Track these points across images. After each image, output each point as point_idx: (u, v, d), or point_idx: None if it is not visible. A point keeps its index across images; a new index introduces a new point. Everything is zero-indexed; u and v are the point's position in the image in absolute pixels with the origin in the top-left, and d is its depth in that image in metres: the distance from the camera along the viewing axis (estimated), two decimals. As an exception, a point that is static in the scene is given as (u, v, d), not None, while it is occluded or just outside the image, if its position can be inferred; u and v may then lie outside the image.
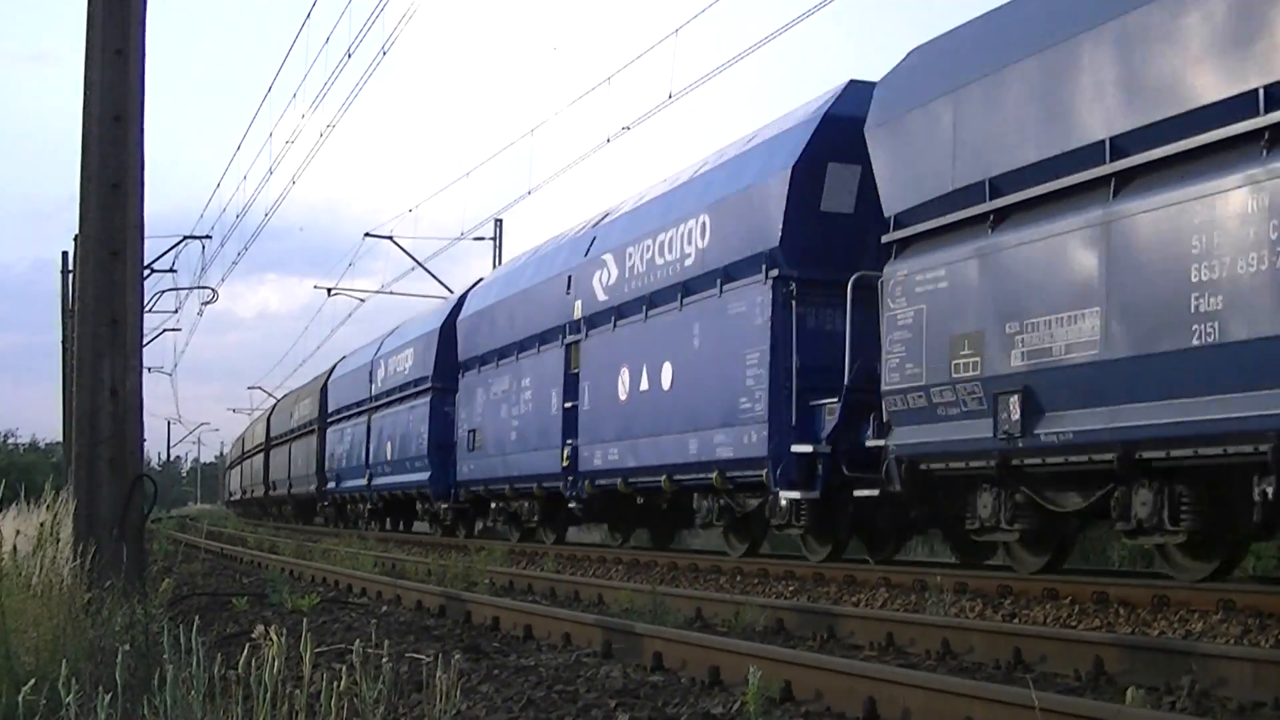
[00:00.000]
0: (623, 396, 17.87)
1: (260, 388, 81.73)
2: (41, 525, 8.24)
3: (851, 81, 14.69)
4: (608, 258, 18.69)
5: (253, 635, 4.47)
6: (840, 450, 13.78)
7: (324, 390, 40.65)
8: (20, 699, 4.25)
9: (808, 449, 14.01)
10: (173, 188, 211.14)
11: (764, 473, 14.51)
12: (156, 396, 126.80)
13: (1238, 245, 8.97)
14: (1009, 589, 10.85)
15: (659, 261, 17.11)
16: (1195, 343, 9.21)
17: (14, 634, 5.96)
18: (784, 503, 14.50)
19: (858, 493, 13.59)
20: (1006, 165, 11.29)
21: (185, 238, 39.63)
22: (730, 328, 15.24)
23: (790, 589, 12.91)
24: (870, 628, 8.55)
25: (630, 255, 17.96)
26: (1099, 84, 10.37)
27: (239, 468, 70.08)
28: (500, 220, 40.39)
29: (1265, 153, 8.97)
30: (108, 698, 4.05)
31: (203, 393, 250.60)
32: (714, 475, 15.54)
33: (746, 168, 15.62)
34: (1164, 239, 9.60)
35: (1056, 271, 10.62)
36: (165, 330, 50.63)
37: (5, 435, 71.85)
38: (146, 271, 32.48)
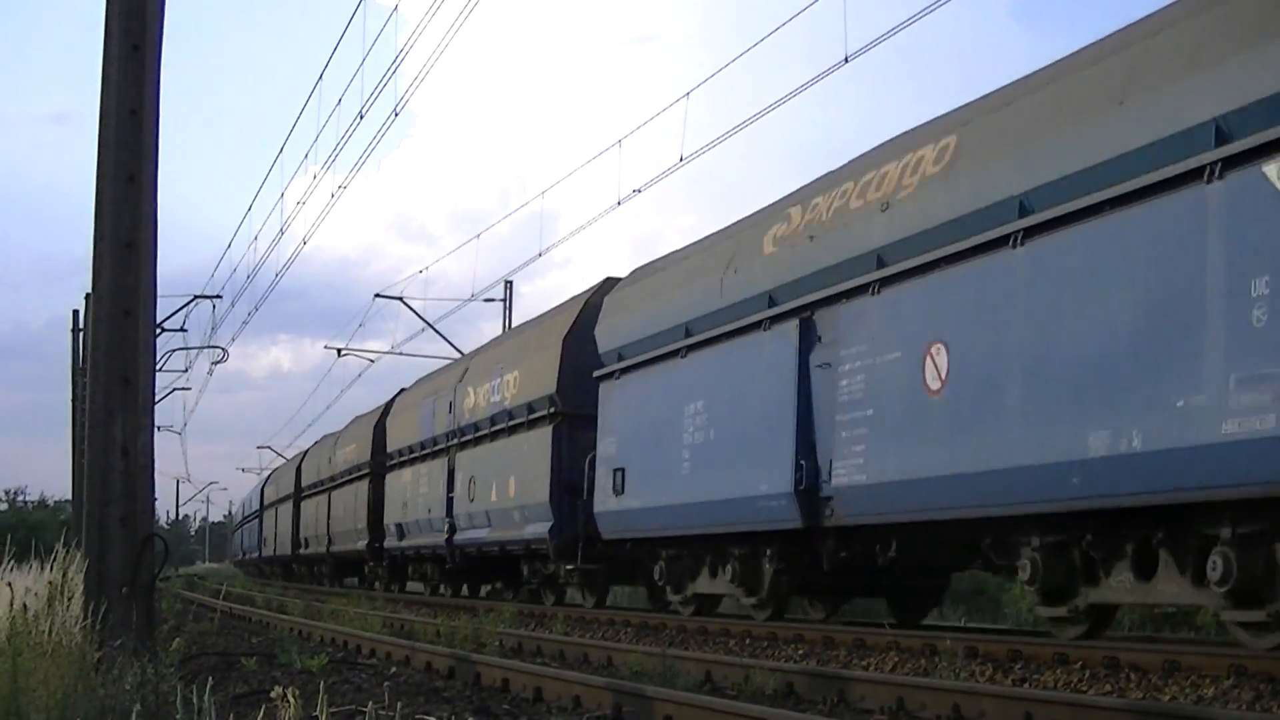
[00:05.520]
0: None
1: (269, 447, 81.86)
2: (51, 584, 8.25)
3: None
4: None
5: (270, 694, 4.47)
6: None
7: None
8: (32, 758, 4.24)
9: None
10: (184, 247, 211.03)
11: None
12: (166, 455, 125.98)
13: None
14: (1019, 653, 10.81)
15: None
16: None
17: (24, 693, 5.96)
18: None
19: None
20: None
21: (196, 297, 39.65)
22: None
23: (800, 652, 12.88)
24: (880, 692, 8.52)
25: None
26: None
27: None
28: (510, 282, 40.20)
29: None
30: (119, 757, 4.04)
31: (213, 452, 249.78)
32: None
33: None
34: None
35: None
36: (175, 389, 50.62)
37: (14, 493, 71.99)
38: (157, 330, 32.51)
